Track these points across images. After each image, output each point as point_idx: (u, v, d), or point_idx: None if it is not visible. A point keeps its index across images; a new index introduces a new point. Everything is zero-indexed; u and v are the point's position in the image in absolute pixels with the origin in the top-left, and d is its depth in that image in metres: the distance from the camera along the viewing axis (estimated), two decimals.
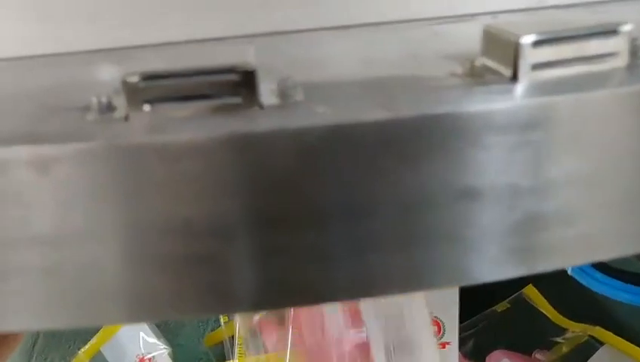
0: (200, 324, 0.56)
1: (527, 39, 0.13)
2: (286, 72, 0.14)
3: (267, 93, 0.13)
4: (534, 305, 0.54)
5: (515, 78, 0.13)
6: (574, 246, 0.14)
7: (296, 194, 0.12)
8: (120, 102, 0.12)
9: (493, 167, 0.13)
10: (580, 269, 0.40)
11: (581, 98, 0.13)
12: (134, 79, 0.12)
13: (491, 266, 0.14)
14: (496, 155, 0.13)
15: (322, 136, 0.12)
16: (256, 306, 0.14)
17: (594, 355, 0.48)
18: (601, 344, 0.50)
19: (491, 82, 0.13)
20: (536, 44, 0.13)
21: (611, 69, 0.13)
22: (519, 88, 0.13)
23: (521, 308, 0.54)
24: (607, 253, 0.14)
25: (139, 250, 0.13)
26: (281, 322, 0.45)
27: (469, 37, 0.15)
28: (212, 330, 0.52)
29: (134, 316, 0.13)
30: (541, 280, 0.55)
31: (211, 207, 0.12)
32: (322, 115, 0.12)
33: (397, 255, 0.13)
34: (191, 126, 0.12)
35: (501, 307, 0.53)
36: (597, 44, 0.13)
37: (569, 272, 0.40)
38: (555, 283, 0.54)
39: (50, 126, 0.12)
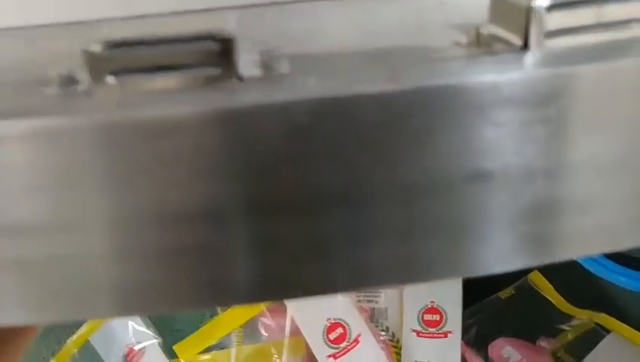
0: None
1: (541, 3, 0.11)
2: (272, 42, 0.12)
3: (248, 64, 0.11)
4: (539, 292, 0.53)
5: (526, 46, 0.12)
6: (592, 235, 0.13)
7: (286, 179, 0.11)
8: (83, 74, 0.11)
9: (504, 146, 0.11)
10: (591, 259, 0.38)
11: (601, 68, 0.11)
12: (97, 48, 0.11)
13: (502, 256, 0.13)
14: (507, 133, 0.11)
15: (311, 112, 0.10)
16: (249, 299, 0.13)
17: (600, 344, 0.47)
18: (607, 331, 0.49)
19: (500, 52, 0.12)
20: (551, 8, 0.11)
21: (634, 37, 0.12)
22: (531, 58, 0.11)
23: (525, 294, 0.52)
24: (628, 243, 0.13)
25: (119, 240, 0.11)
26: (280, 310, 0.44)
27: (478, 6, 0.14)
28: (210, 317, 0.51)
29: (124, 310, 0.12)
30: (547, 266, 0.54)
31: (189, 193, 0.11)
32: (311, 88, 0.11)
33: (399, 243, 0.12)
34: (160, 100, 0.10)
35: (505, 293, 0.52)
36: (618, 9, 0.12)
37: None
38: (561, 270, 0.53)
39: (2, 101, 0.11)
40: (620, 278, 0.36)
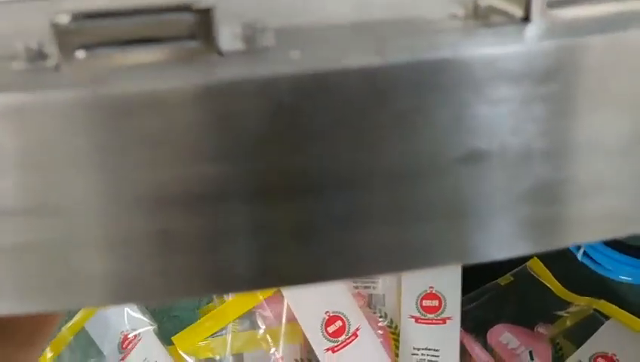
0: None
1: None
2: (257, 14, 0.11)
3: (230, 37, 0.11)
4: (538, 279, 0.53)
5: (527, 18, 0.11)
6: (596, 220, 0.12)
7: (271, 160, 0.10)
8: (52, 48, 0.10)
9: (501, 124, 0.11)
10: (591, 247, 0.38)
11: (608, 40, 0.10)
12: (65, 20, 0.10)
13: (501, 241, 0.12)
14: (505, 111, 0.10)
15: (294, 88, 0.10)
16: (242, 287, 0.12)
17: (599, 330, 0.46)
18: (606, 318, 0.48)
19: (499, 24, 0.11)
20: None
21: None
22: (532, 30, 0.11)
23: (524, 281, 0.52)
24: (633, 228, 0.12)
25: (97, 224, 0.11)
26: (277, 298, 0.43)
27: None
28: (207, 303, 0.50)
29: (115, 299, 0.12)
30: (546, 253, 0.53)
31: (165, 175, 0.10)
32: (295, 62, 0.10)
33: (393, 228, 0.11)
34: (133, 76, 0.10)
35: (504, 280, 0.51)
36: None
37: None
38: (560, 257, 0.52)
39: None
40: (624, 268, 0.36)
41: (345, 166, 0.11)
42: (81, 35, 0.10)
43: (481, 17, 0.11)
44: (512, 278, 0.52)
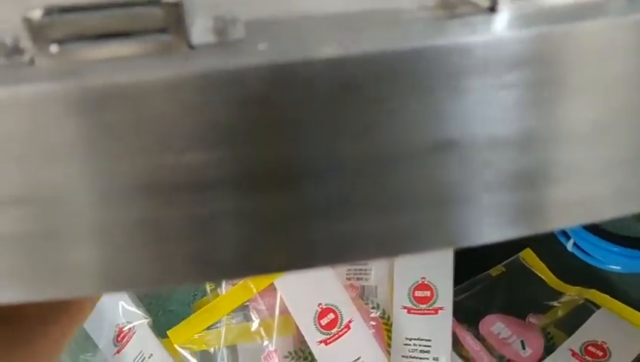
0: (190, 290, 0.55)
1: None
2: (228, 7, 0.12)
3: (201, 30, 0.11)
4: (530, 269, 0.53)
5: (493, 8, 0.11)
6: (572, 206, 0.12)
7: (247, 150, 0.11)
8: (27, 43, 0.11)
9: (470, 114, 0.11)
10: (581, 238, 0.38)
11: (573, 30, 0.11)
12: (37, 14, 0.10)
13: (483, 227, 0.12)
14: (474, 99, 0.11)
15: (262, 79, 0.10)
16: (229, 275, 0.12)
17: (589, 319, 0.47)
18: (597, 307, 0.49)
19: (465, 14, 0.11)
20: None
21: None
22: (498, 20, 0.11)
23: (516, 272, 0.52)
24: (608, 213, 0.13)
25: (81, 213, 0.11)
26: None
27: None
28: (201, 297, 0.51)
29: (105, 287, 0.12)
30: (538, 244, 0.54)
31: (136, 166, 0.11)
32: (263, 53, 0.10)
33: (374, 215, 0.12)
34: (106, 68, 0.10)
35: (496, 271, 0.52)
36: None
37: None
38: (552, 248, 0.52)
39: None
40: (613, 257, 0.36)
41: (321, 154, 0.11)
42: (54, 29, 0.10)
43: (449, 8, 0.11)
44: (503, 269, 0.52)
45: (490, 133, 0.11)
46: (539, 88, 0.11)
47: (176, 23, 0.10)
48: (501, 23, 0.11)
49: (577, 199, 0.13)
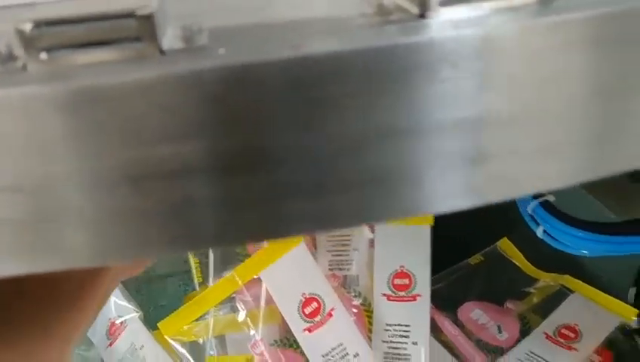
0: (180, 285, 0.57)
1: None
2: (194, 18, 0.13)
3: (171, 38, 0.13)
4: (508, 258, 0.55)
5: (423, 15, 0.13)
6: (517, 179, 0.14)
7: (212, 141, 0.12)
8: (20, 52, 0.12)
9: (410, 105, 0.13)
10: (551, 225, 0.40)
11: (486, 34, 0.12)
12: (27, 27, 0.12)
13: (439, 198, 0.14)
14: (410, 93, 0.13)
15: (221, 79, 0.12)
16: (208, 244, 0.14)
17: (562, 303, 0.49)
18: (572, 292, 0.51)
19: (398, 20, 0.13)
20: None
21: (523, 4, 0.13)
22: (425, 25, 0.13)
23: (494, 260, 0.55)
24: (529, 188, 0.15)
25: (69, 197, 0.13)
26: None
27: None
28: (192, 291, 0.52)
29: (97, 259, 0.14)
30: (516, 234, 0.56)
31: (121, 157, 0.12)
32: (221, 57, 0.12)
33: (325, 194, 0.13)
34: (88, 73, 0.12)
35: (474, 260, 0.54)
36: None
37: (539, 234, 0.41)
38: (528, 236, 0.55)
39: None
40: (580, 242, 0.38)
41: (277, 144, 0.13)
42: (42, 39, 0.12)
43: (385, 14, 0.13)
44: (482, 258, 0.54)
45: (431, 120, 0.13)
46: (465, 81, 0.13)
47: (148, 33, 0.12)
48: (426, 27, 0.13)
49: (521, 173, 0.14)
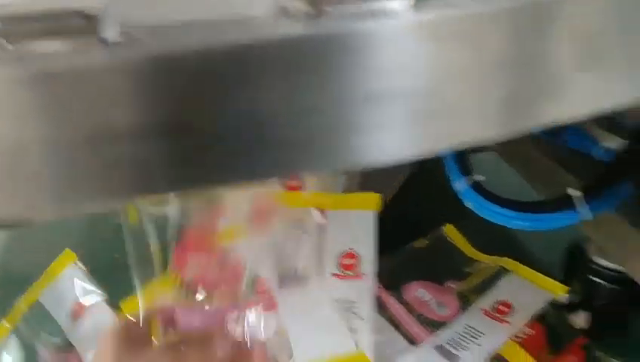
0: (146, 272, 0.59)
1: None
2: (133, 16, 0.17)
3: (112, 33, 0.16)
4: (452, 242, 0.59)
5: (317, 15, 0.16)
6: (449, 135, 0.18)
7: (146, 112, 0.16)
8: None
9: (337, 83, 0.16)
10: (480, 205, 0.44)
11: (369, 29, 0.16)
12: None
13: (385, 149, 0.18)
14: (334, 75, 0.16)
15: (151, 64, 0.15)
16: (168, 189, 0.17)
17: (499, 281, 0.53)
18: (509, 272, 0.55)
19: (297, 18, 0.16)
20: None
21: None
22: (320, 22, 0.16)
23: (438, 244, 0.59)
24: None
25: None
26: None
27: None
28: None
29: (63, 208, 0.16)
30: (460, 220, 0.60)
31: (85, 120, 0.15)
32: (152, 47, 0.15)
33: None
34: (44, 60, 0.15)
35: (419, 243, 0.58)
36: None
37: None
38: (471, 220, 0.59)
39: None
40: (506, 220, 0.42)
41: (192, 117, 0.16)
42: (9, 34, 0.15)
43: (286, 15, 0.17)
44: (426, 242, 0.59)
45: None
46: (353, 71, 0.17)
47: (94, 28, 0.15)
48: (321, 23, 0.16)
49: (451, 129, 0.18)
